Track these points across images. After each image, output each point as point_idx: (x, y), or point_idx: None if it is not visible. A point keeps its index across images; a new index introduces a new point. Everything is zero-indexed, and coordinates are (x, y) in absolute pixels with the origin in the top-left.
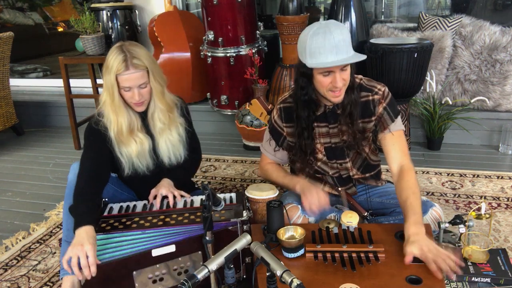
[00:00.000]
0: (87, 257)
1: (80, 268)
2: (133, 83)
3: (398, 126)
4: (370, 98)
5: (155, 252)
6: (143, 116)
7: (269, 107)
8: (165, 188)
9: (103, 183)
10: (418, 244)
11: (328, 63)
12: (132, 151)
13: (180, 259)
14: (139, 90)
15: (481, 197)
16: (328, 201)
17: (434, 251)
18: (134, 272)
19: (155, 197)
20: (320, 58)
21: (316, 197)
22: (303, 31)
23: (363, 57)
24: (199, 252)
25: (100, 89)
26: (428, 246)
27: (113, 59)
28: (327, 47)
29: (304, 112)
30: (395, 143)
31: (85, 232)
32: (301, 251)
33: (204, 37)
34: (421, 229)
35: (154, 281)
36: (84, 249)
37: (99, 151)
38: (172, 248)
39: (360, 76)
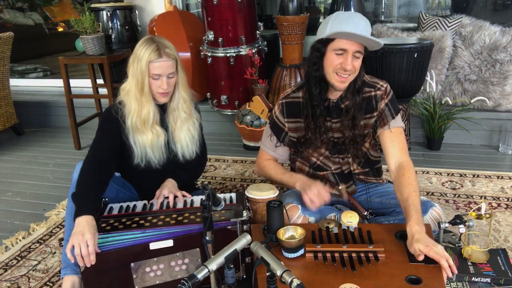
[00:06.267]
0: (87, 246)
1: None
2: (164, 71)
3: (398, 123)
4: (373, 93)
5: (153, 246)
6: (162, 110)
7: (270, 105)
8: (168, 188)
9: (109, 176)
10: (423, 241)
11: (347, 32)
12: (148, 139)
13: (177, 254)
14: (167, 79)
15: (481, 197)
16: (329, 195)
17: (437, 249)
18: (132, 264)
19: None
20: (340, 27)
21: (316, 191)
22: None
23: (380, 43)
24: (197, 249)
25: (100, 89)
26: (433, 243)
27: (145, 48)
28: (349, 22)
29: (316, 89)
30: (394, 140)
31: (86, 221)
32: (301, 251)
33: (204, 37)
34: (423, 228)
35: (152, 275)
36: (85, 238)
37: (111, 141)
38: (169, 243)
39: (362, 74)
